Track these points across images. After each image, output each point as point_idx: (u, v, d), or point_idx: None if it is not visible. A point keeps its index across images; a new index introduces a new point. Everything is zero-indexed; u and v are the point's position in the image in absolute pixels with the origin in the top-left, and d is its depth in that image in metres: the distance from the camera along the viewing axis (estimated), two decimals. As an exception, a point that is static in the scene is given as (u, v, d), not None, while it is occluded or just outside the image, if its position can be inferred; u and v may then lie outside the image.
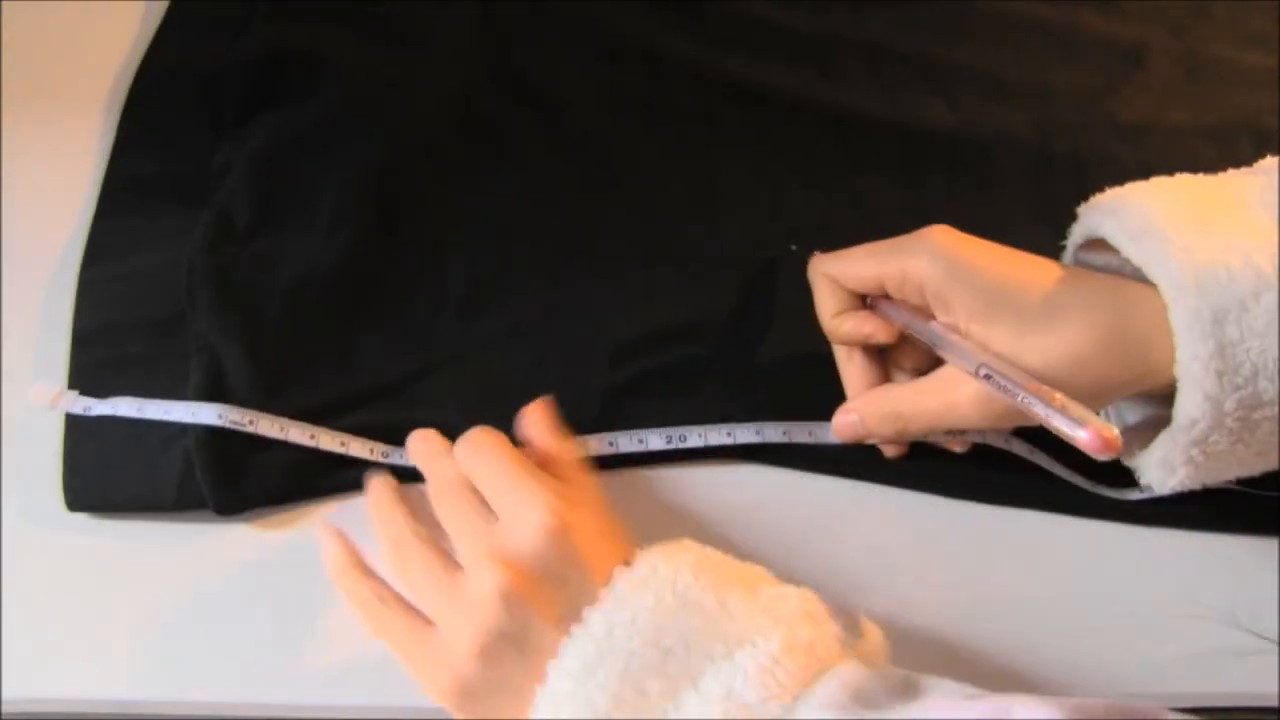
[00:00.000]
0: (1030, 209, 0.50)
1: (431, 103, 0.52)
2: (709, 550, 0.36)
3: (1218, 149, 0.53)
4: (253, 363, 0.43)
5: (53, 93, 0.52)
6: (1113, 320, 0.36)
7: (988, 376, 0.36)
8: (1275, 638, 0.40)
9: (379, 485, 0.39)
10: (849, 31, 0.56)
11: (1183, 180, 0.40)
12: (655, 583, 0.34)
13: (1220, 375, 0.35)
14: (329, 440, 0.41)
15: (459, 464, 0.38)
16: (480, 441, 0.38)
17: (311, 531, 0.40)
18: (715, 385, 0.45)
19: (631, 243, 0.49)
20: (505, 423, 0.43)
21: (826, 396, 0.44)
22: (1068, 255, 0.43)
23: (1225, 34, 0.58)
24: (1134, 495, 0.42)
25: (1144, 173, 0.51)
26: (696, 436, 0.42)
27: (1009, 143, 0.53)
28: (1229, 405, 0.36)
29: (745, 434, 0.42)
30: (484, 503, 0.37)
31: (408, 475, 0.42)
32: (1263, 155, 0.52)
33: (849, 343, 0.42)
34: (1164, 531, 0.42)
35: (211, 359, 0.43)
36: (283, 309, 0.45)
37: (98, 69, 0.53)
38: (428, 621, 0.35)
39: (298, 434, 0.41)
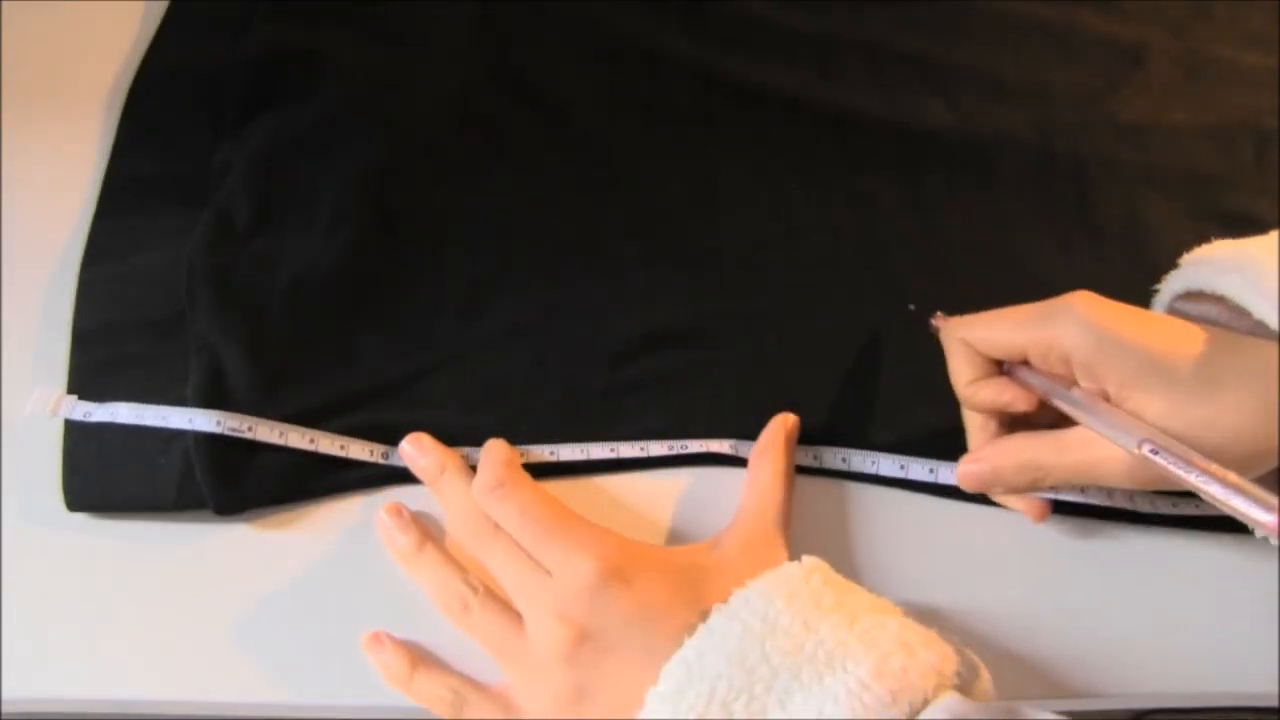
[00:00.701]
0: (1030, 209, 0.50)
1: (431, 103, 0.52)
2: (814, 577, 0.35)
3: (1218, 149, 0.53)
4: (253, 363, 0.43)
5: (53, 93, 0.52)
6: (1271, 389, 0.34)
7: (1154, 452, 0.35)
8: (1275, 637, 0.40)
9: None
10: (849, 31, 0.56)
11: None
12: (745, 612, 0.34)
13: None
14: (328, 444, 0.41)
15: (486, 508, 0.39)
16: (508, 494, 0.39)
17: (311, 532, 0.41)
18: (715, 385, 0.45)
19: (631, 243, 0.49)
20: (505, 422, 0.43)
21: (826, 397, 0.44)
22: (1160, 304, 0.42)
23: (1225, 34, 0.58)
24: (1166, 509, 0.42)
25: (1144, 173, 0.51)
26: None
27: (1009, 143, 0.53)
28: None
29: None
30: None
31: (407, 477, 0.42)
32: (1263, 155, 0.52)
33: (987, 411, 0.40)
34: (1164, 531, 0.42)
35: (211, 359, 0.43)
36: (283, 309, 0.45)
37: (98, 69, 0.53)
38: (517, 615, 0.37)
39: (297, 439, 0.41)
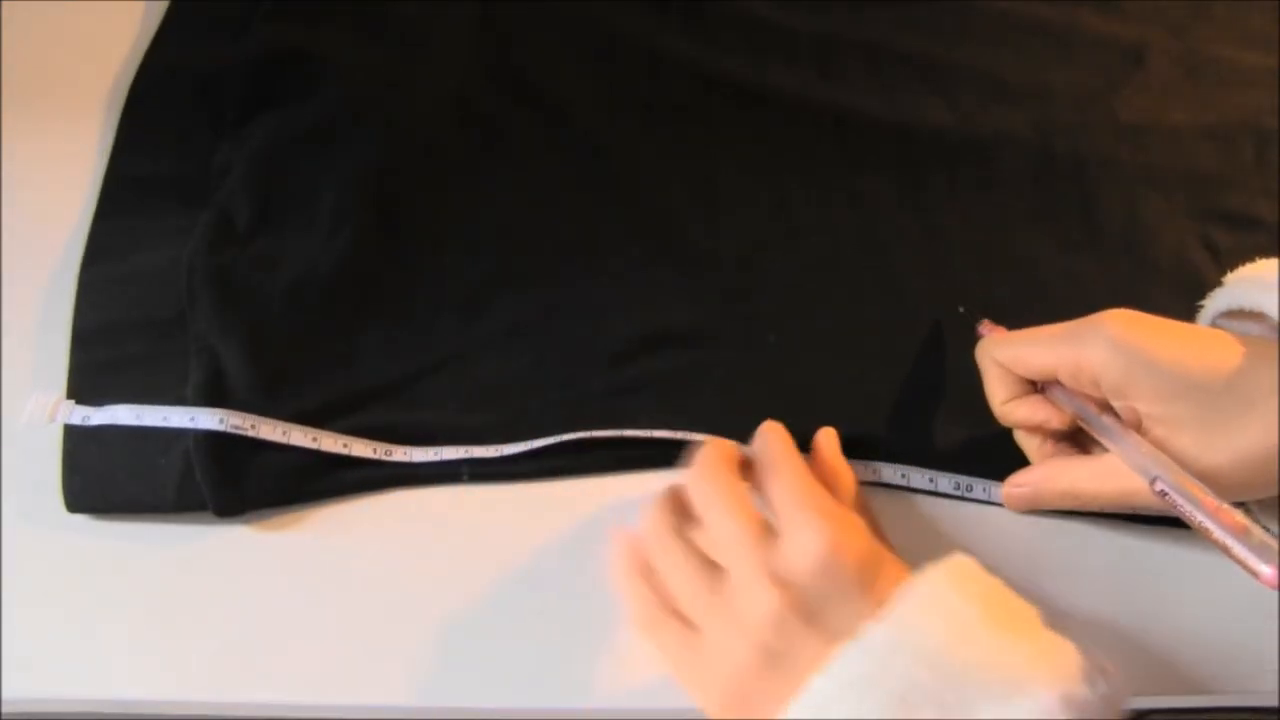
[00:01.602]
0: (1030, 209, 0.50)
1: (431, 103, 0.52)
2: (990, 579, 0.35)
3: (1218, 149, 0.53)
4: (253, 363, 0.43)
5: (53, 93, 0.52)
6: None
7: (1163, 494, 0.35)
8: (1275, 637, 0.40)
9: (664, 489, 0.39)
10: (849, 31, 0.56)
11: None
12: (942, 610, 0.33)
13: None
14: (331, 442, 0.42)
15: (754, 453, 0.38)
16: (776, 452, 0.38)
17: (310, 533, 0.41)
18: (715, 385, 0.45)
19: (631, 243, 0.49)
20: (505, 422, 0.43)
21: (824, 396, 0.44)
22: (1205, 318, 0.42)
23: (1225, 34, 0.58)
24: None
25: (1144, 173, 0.51)
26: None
27: (1009, 143, 0.53)
28: None
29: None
30: (757, 515, 0.37)
31: (407, 478, 0.42)
32: (1263, 155, 0.52)
33: (1022, 428, 0.41)
34: (1164, 531, 0.42)
35: (211, 359, 0.43)
36: (283, 309, 0.45)
37: (98, 69, 0.53)
38: (695, 628, 0.36)
39: (300, 437, 0.41)
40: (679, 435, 0.42)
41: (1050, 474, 0.40)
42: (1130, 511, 0.40)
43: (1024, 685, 0.32)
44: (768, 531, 0.35)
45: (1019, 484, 0.41)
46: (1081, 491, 0.39)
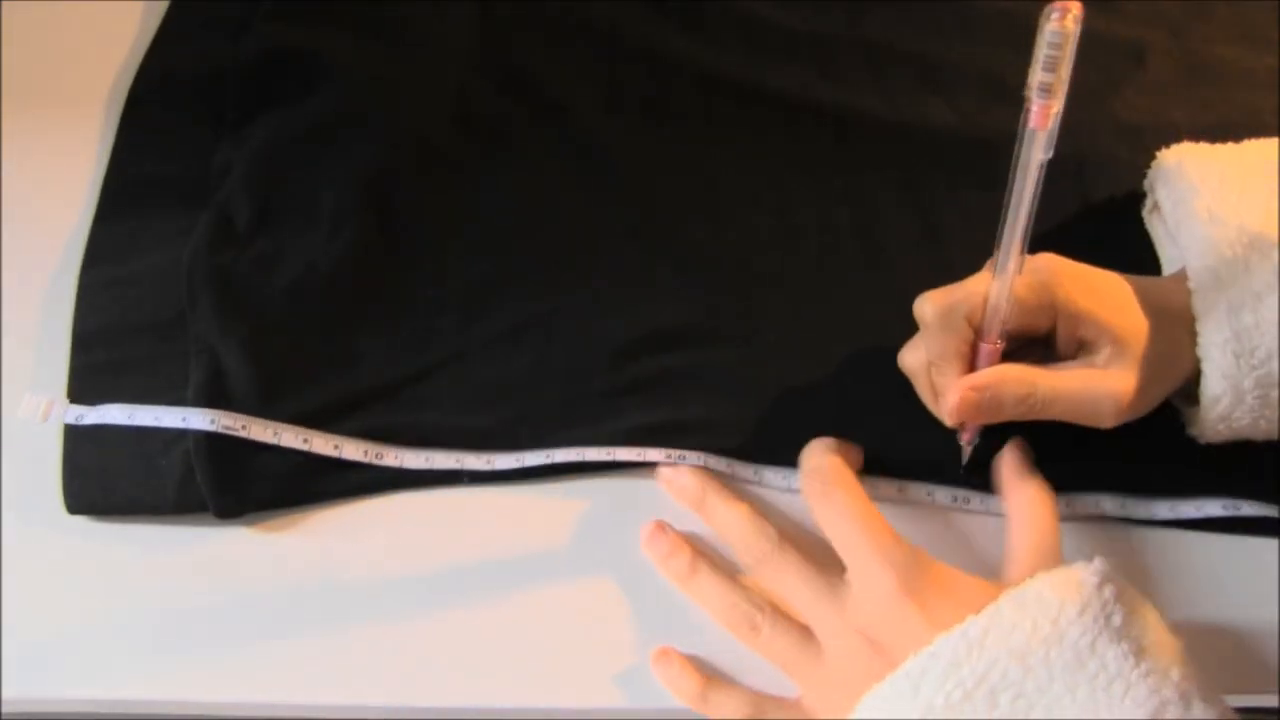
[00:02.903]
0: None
1: (431, 103, 0.52)
2: (1107, 588, 0.35)
3: (1218, 149, 0.53)
4: (253, 364, 0.43)
5: (53, 93, 0.52)
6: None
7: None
8: (1275, 637, 0.40)
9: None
10: (849, 31, 0.56)
11: (1223, 150, 0.44)
12: (1037, 609, 0.34)
13: (1238, 357, 0.39)
14: (322, 444, 0.41)
15: (814, 501, 0.39)
16: (833, 494, 0.39)
17: (310, 534, 0.41)
18: (715, 385, 0.45)
19: (631, 243, 0.49)
20: (505, 423, 0.43)
21: (824, 396, 0.44)
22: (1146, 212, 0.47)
23: (1225, 34, 0.58)
24: (1162, 514, 0.42)
25: (1144, 173, 0.51)
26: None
27: (1009, 143, 0.52)
28: (1247, 384, 0.39)
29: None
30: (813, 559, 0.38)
31: (407, 480, 0.42)
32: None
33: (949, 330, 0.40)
34: (1164, 531, 0.42)
35: (211, 360, 0.43)
36: (283, 310, 0.45)
37: (98, 69, 0.53)
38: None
39: (290, 438, 0.41)
40: (671, 459, 0.42)
41: (1009, 371, 0.39)
42: (1087, 421, 0.40)
43: (1115, 697, 0.32)
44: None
45: (979, 385, 0.39)
46: (1040, 385, 0.39)
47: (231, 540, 0.40)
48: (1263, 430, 0.40)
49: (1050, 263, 0.40)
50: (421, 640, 0.39)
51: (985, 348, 0.40)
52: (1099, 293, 0.40)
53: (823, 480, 0.39)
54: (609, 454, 0.42)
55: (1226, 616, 0.41)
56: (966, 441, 0.42)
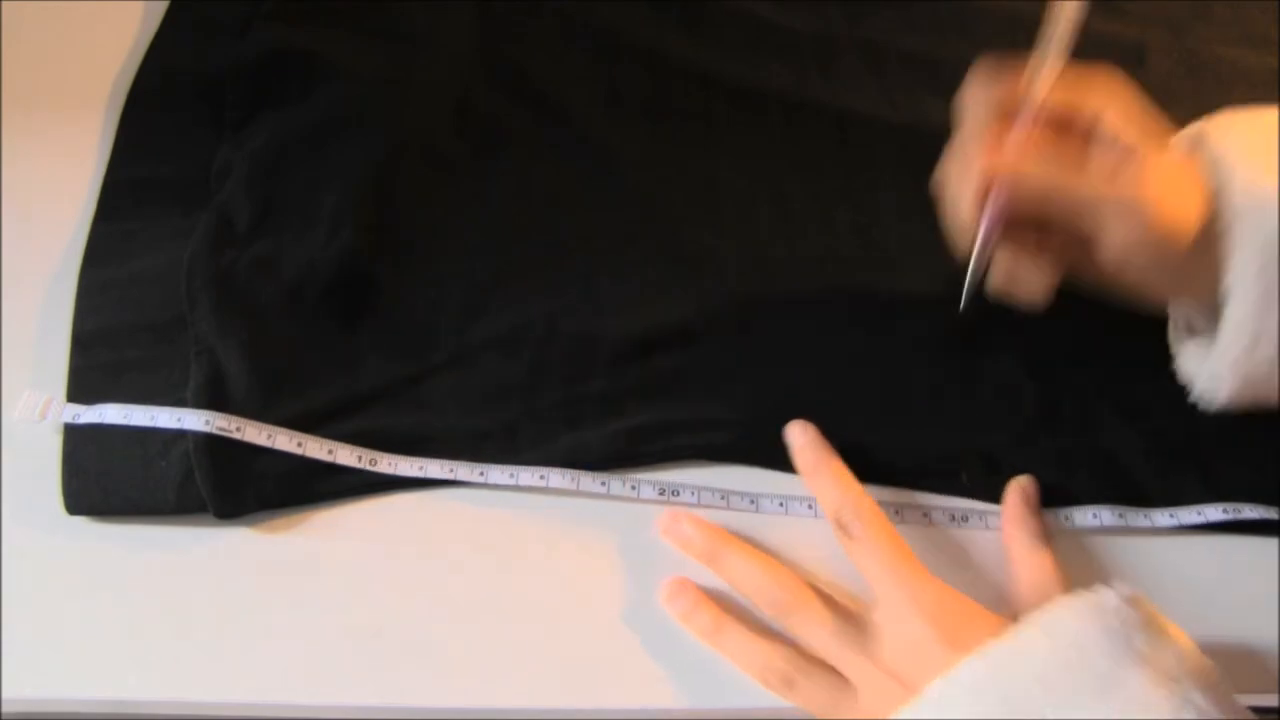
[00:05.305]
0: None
1: (431, 103, 0.52)
2: (1129, 611, 0.34)
3: (1218, 149, 0.53)
4: (253, 366, 0.43)
5: (53, 93, 0.52)
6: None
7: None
8: (1275, 637, 0.40)
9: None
10: (849, 31, 0.56)
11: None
12: (1059, 632, 0.34)
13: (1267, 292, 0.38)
14: (316, 448, 0.41)
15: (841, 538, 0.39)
16: (864, 534, 0.39)
17: (310, 535, 0.41)
18: (715, 385, 0.45)
19: (631, 243, 0.49)
20: (505, 425, 0.43)
21: (824, 397, 0.44)
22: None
23: (1225, 34, 0.58)
24: (1164, 523, 0.42)
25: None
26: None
27: (1009, 143, 0.52)
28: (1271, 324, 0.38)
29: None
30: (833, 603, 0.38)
31: (407, 481, 0.42)
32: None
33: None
34: (1164, 532, 0.42)
35: (211, 362, 0.43)
36: (283, 311, 0.45)
37: (98, 69, 0.53)
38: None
39: (284, 441, 0.41)
40: (665, 496, 0.42)
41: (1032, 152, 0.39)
42: (1081, 225, 0.39)
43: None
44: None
45: (1009, 150, 0.40)
46: (1058, 177, 0.39)
47: (231, 540, 0.40)
48: (1264, 393, 0.40)
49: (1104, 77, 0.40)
50: (422, 640, 0.39)
51: (1016, 135, 0.40)
52: (1138, 123, 0.40)
53: (855, 517, 0.39)
54: (602, 483, 0.42)
55: (1226, 616, 0.41)
56: (976, 253, 0.42)
